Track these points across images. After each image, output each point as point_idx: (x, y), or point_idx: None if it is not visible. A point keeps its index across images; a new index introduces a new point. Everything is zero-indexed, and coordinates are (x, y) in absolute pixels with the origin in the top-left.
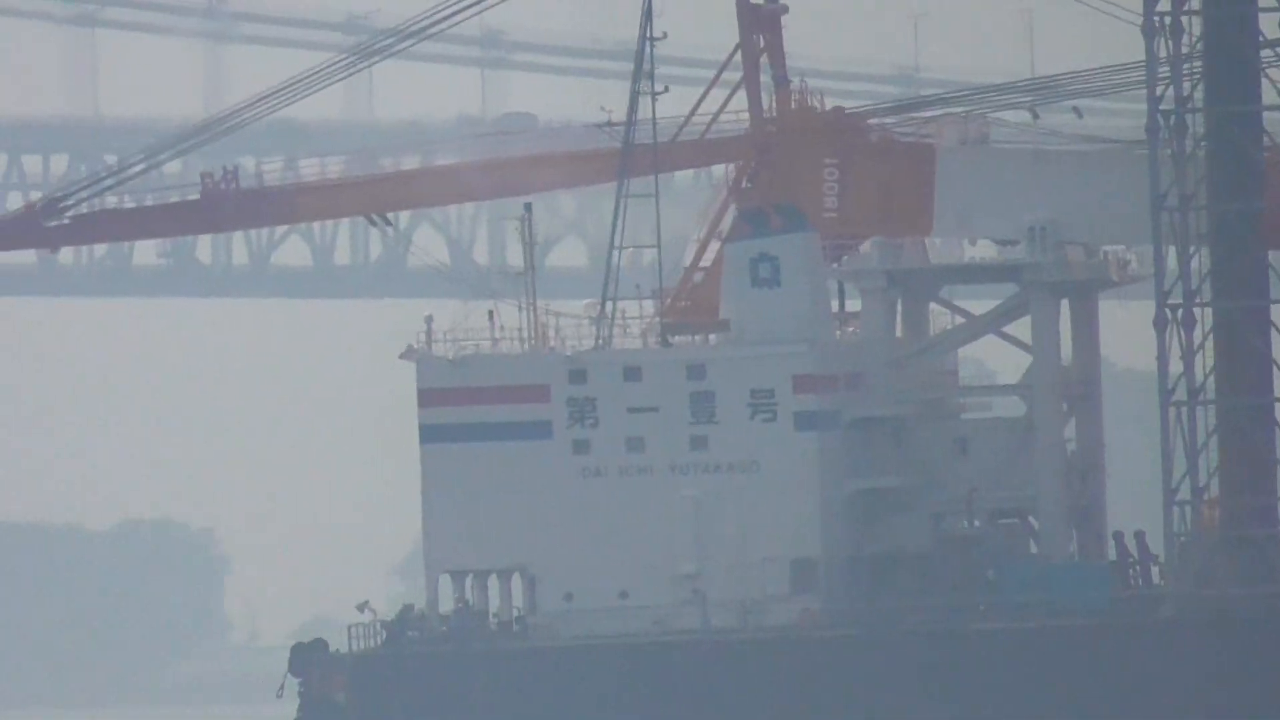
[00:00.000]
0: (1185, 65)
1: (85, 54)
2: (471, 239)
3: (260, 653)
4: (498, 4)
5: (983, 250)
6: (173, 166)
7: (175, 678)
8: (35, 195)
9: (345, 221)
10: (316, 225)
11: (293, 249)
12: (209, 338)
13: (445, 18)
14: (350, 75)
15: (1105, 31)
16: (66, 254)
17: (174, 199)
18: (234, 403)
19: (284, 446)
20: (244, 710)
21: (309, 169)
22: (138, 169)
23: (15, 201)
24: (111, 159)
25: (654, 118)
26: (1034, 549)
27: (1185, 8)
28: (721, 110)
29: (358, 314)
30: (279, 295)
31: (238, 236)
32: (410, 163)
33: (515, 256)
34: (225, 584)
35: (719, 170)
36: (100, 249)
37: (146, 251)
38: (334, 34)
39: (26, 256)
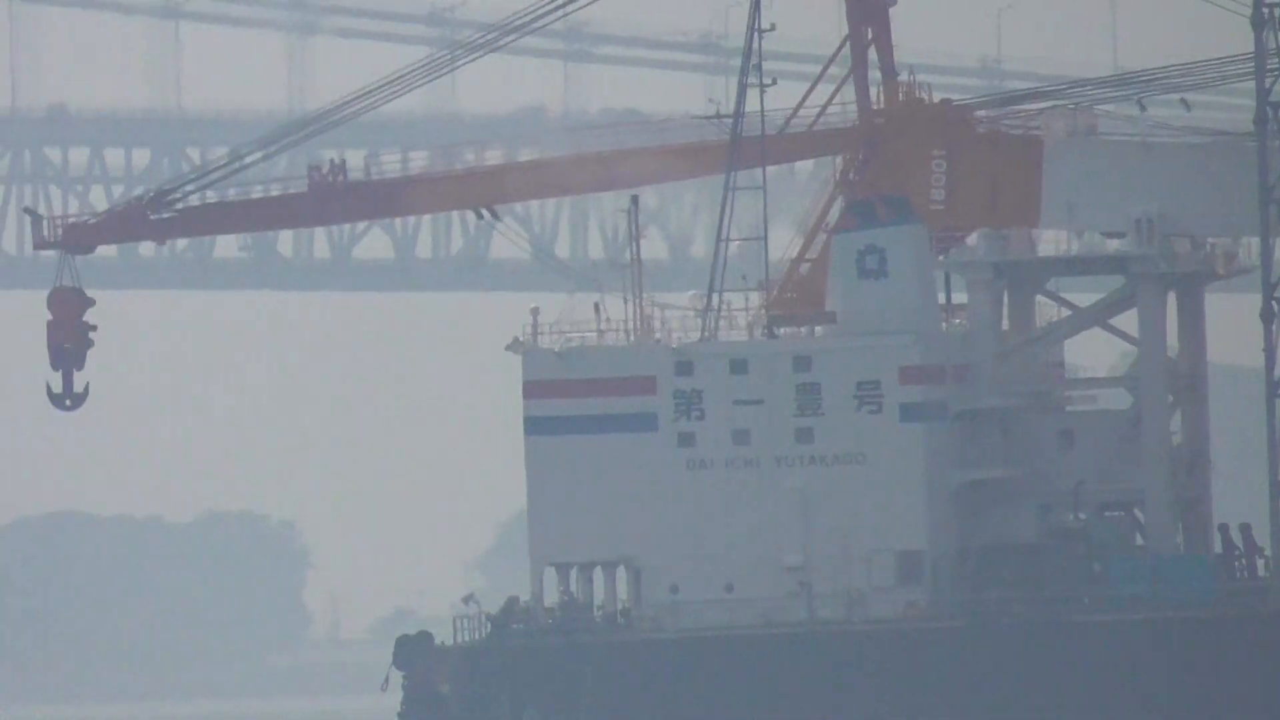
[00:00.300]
0: None
1: (168, 46)
2: (554, 233)
3: (342, 645)
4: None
5: (1089, 242)
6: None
7: (259, 671)
8: (117, 189)
9: (428, 215)
10: (399, 219)
11: (375, 242)
12: (290, 331)
13: (544, 14)
14: (453, 70)
15: (1197, 22)
16: (147, 247)
17: (277, 192)
18: (315, 396)
19: (365, 440)
20: (327, 703)
21: (415, 161)
22: (249, 160)
23: (99, 196)
24: (194, 152)
25: (762, 110)
26: (1140, 542)
27: None
28: (829, 102)
29: (438, 307)
30: (360, 289)
31: (319, 230)
32: (493, 157)
33: (596, 250)
34: (307, 577)
35: (802, 166)
36: (181, 242)
37: (228, 245)
38: (418, 26)
39: (107, 249)
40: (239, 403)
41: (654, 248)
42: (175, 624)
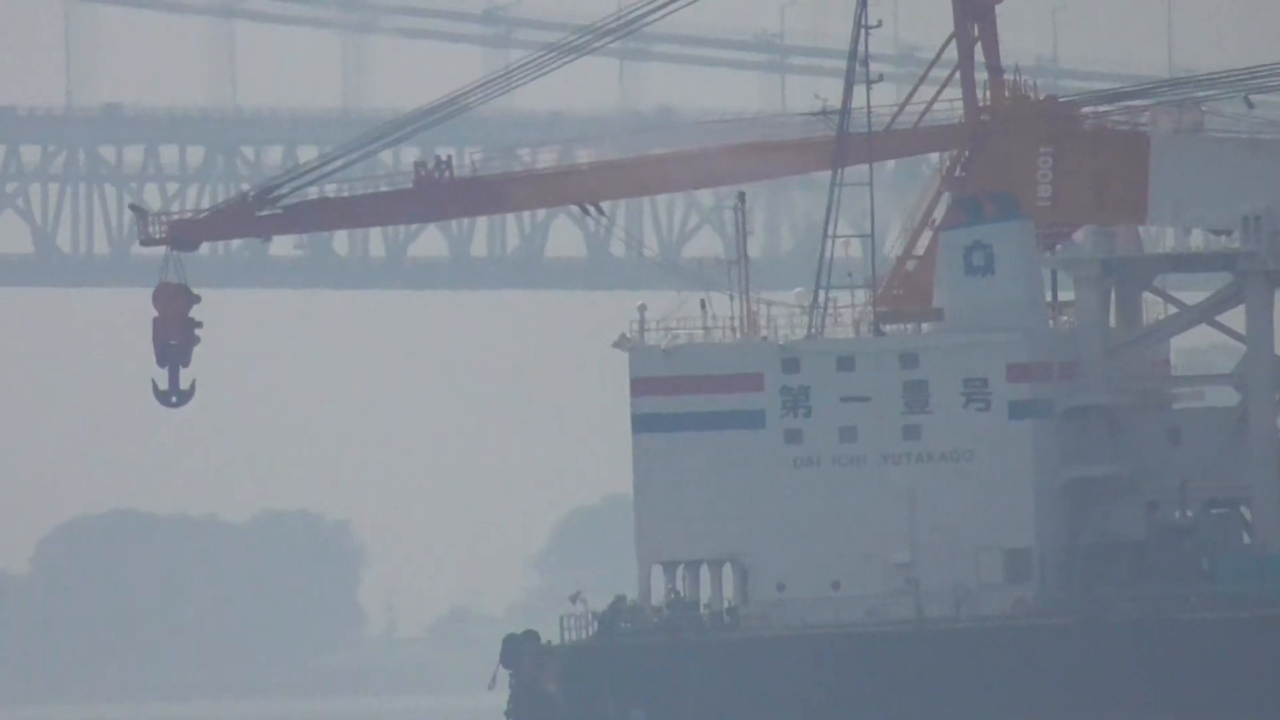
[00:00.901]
0: None
1: (224, 45)
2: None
3: (397, 645)
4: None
5: (1197, 239)
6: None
7: (315, 669)
8: (173, 187)
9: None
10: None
11: (430, 240)
12: (343, 329)
13: (645, 14)
14: (552, 70)
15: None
16: (204, 246)
17: (384, 188)
18: (371, 395)
19: (420, 440)
20: (382, 702)
21: (526, 156)
22: (356, 155)
23: (153, 194)
24: (249, 151)
25: (869, 106)
26: (1247, 539)
27: None
28: (936, 98)
29: (493, 305)
30: (415, 287)
31: (374, 230)
32: (547, 156)
33: (651, 245)
34: (361, 576)
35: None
36: (236, 240)
37: (283, 244)
38: (473, 26)
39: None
40: (296, 402)
41: (760, 244)
42: (232, 623)
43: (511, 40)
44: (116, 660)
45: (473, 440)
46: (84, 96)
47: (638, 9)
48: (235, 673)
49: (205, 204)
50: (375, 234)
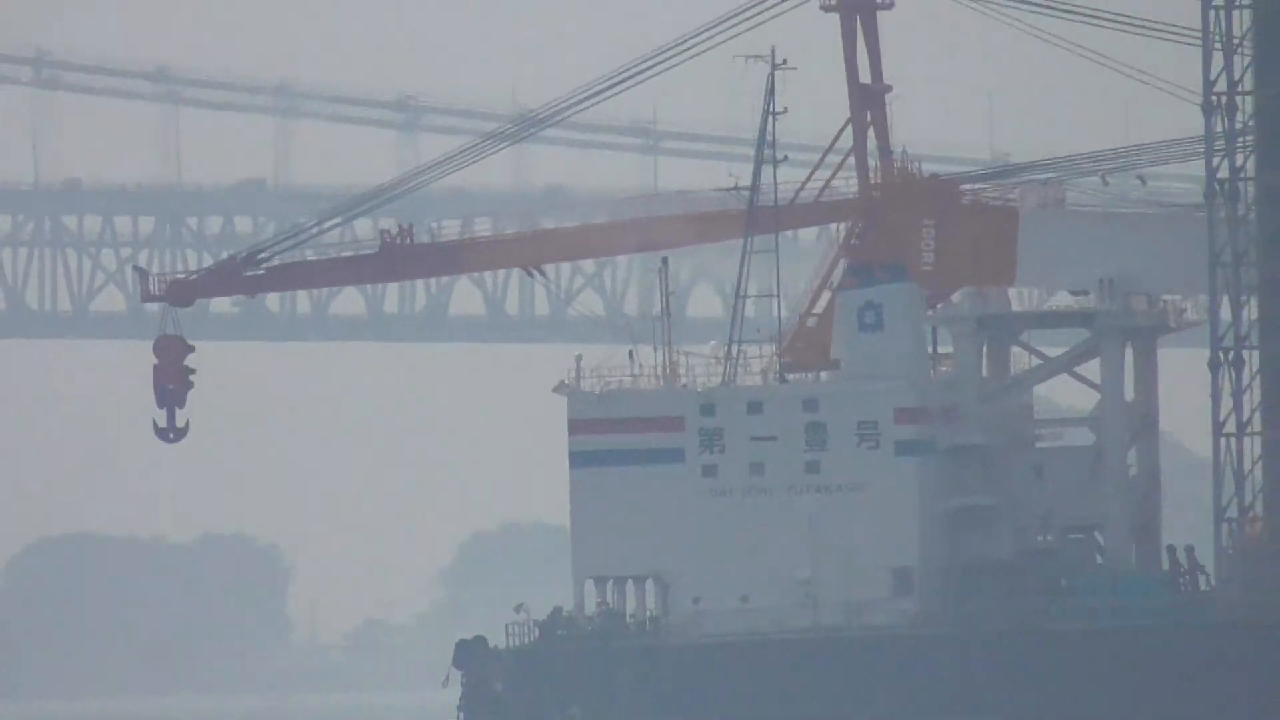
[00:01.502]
0: (1239, 139)
1: (170, 127)
2: (625, 290)
3: (319, 650)
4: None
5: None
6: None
7: (247, 671)
8: (126, 252)
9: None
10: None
11: (349, 301)
12: (279, 378)
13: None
14: (501, 148)
15: (1153, 107)
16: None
17: (349, 254)
18: (298, 433)
19: (341, 472)
20: (306, 699)
21: (480, 227)
22: (329, 226)
23: (109, 259)
24: (193, 221)
25: (775, 182)
26: (1100, 560)
27: (1239, 88)
28: (834, 176)
29: (402, 355)
30: (335, 339)
31: (325, 291)
32: (548, 224)
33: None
34: (288, 590)
35: (806, 233)
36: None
37: (220, 302)
38: (386, 112)
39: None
40: (234, 438)
41: (702, 304)
42: (175, 630)
43: (420, 125)
44: (75, 662)
45: (387, 471)
46: (48, 173)
47: (532, 105)
48: (178, 673)
49: (155, 268)
50: (350, 294)
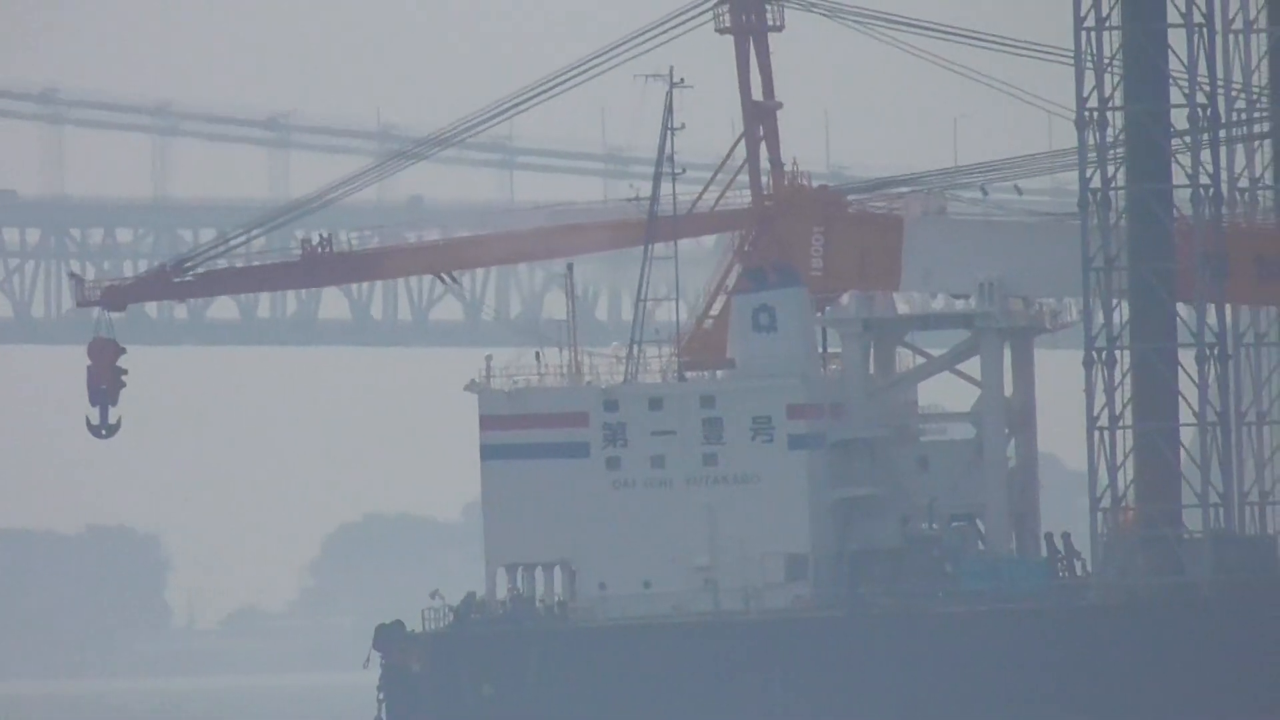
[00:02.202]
0: (1110, 151)
1: (54, 145)
2: (541, 296)
3: (196, 634)
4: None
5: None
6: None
7: (129, 655)
8: (13, 262)
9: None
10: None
11: (222, 308)
12: (160, 381)
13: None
14: (388, 176)
15: (1028, 122)
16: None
17: (272, 261)
18: (184, 431)
19: (223, 467)
20: (184, 682)
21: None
22: (249, 237)
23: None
24: (75, 232)
25: (674, 193)
26: (981, 547)
27: (1110, 104)
28: (728, 187)
29: (279, 360)
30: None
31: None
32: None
33: (515, 308)
34: (167, 579)
35: (707, 240)
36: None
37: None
38: (258, 130)
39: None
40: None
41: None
42: (62, 616)
43: (290, 142)
44: None
45: (260, 467)
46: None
47: (396, 123)
48: (63, 657)
49: (42, 277)
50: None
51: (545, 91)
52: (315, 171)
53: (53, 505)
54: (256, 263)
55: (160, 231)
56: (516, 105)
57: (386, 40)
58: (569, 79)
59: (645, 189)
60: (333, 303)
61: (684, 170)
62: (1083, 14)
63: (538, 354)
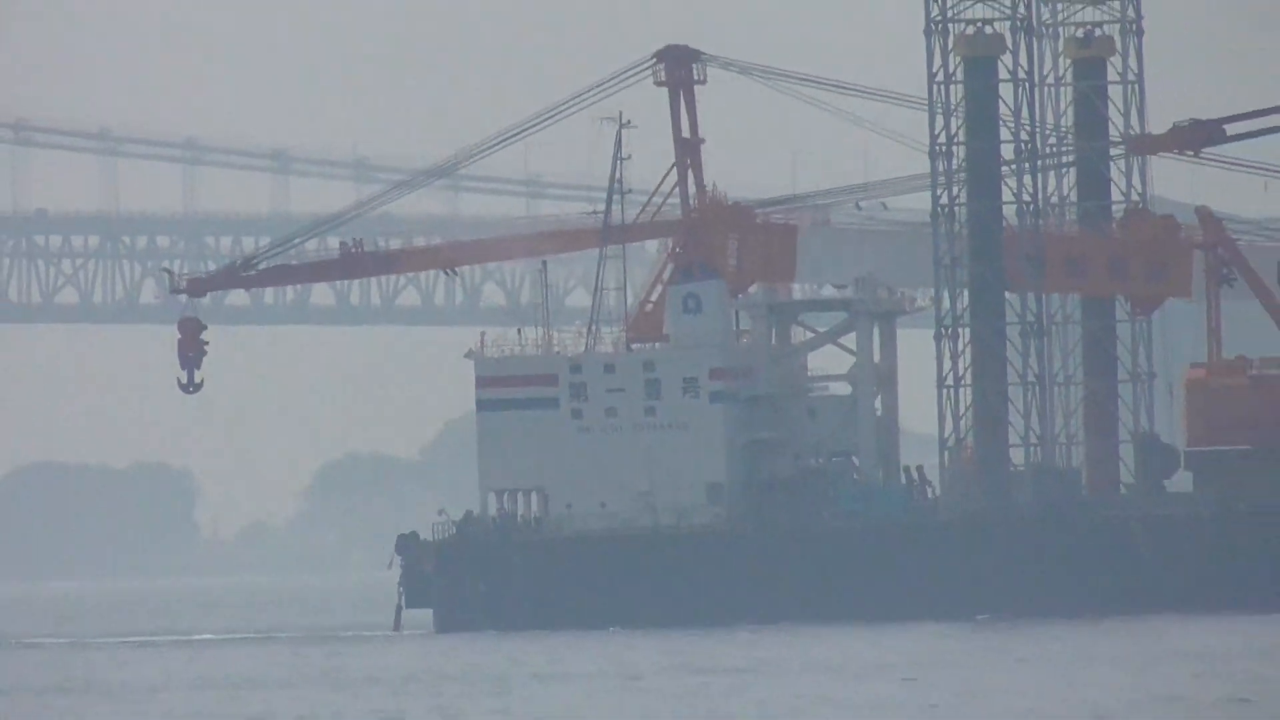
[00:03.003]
0: (954, 176)
1: (110, 171)
2: (520, 286)
3: (219, 543)
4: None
5: (827, 291)
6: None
7: (167, 561)
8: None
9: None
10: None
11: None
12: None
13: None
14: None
15: (895, 155)
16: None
17: (317, 259)
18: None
19: (244, 415)
20: (210, 580)
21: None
22: (296, 243)
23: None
24: (126, 239)
25: (622, 208)
26: (856, 478)
27: (955, 140)
28: (663, 204)
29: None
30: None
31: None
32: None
33: (499, 297)
34: (195, 502)
35: (650, 244)
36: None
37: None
38: (264, 160)
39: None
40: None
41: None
42: (114, 533)
43: (290, 170)
44: (44, 550)
45: (266, 417)
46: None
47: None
48: (116, 563)
49: (101, 273)
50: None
51: (525, 130)
52: (307, 194)
53: (106, 444)
54: (308, 260)
55: (189, 239)
56: (504, 141)
57: (368, 83)
58: (542, 121)
59: (602, 206)
60: (321, 293)
61: (630, 190)
62: (934, 70)
63: (519, 330)
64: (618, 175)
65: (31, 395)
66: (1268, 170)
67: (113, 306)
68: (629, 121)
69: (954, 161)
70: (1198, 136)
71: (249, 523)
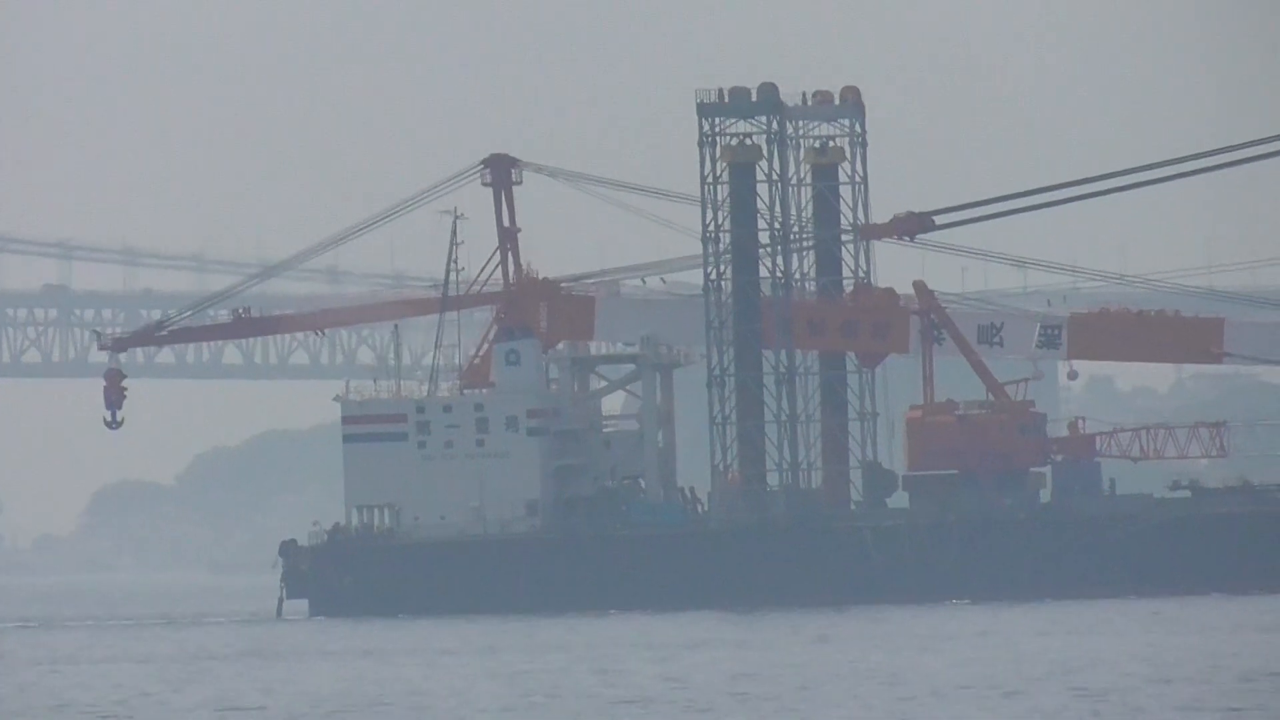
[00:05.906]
0: (722, 256)
1: (66, 268)
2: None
3: (18, 551)
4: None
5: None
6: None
7: None
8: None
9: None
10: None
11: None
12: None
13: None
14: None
15: (673, 241)
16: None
17: (214, 323)
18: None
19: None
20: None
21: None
22: (197, 309)
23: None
24: (78, 311)
25: (458, 281)
26: (643, 496)
27: (722, 228)
28: (489, 279)
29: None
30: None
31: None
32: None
33: (367, 357)
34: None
35: (481, 311)
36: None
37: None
38: (185, 261)
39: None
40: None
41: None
42: None
43: (206, 269)
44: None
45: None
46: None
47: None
48: None
49: (56, 338)
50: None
51: (379, 222)
52: (221, 280)
53: None
54: (205, 323)
55: (129, 312)
56: (356, 233)
57: (268, 184)
58: (391, 214)
59: (440, 280)
60: (231, 352)
61: (464, 268)
62: (705, 173)
63: (374, 380)
64: (453, 256)
65: None
66: (969, 253)
67: (68, 364)
68: (462, 214)
69: (721, 245)
70: (912, 225)
71: (40, 534)
